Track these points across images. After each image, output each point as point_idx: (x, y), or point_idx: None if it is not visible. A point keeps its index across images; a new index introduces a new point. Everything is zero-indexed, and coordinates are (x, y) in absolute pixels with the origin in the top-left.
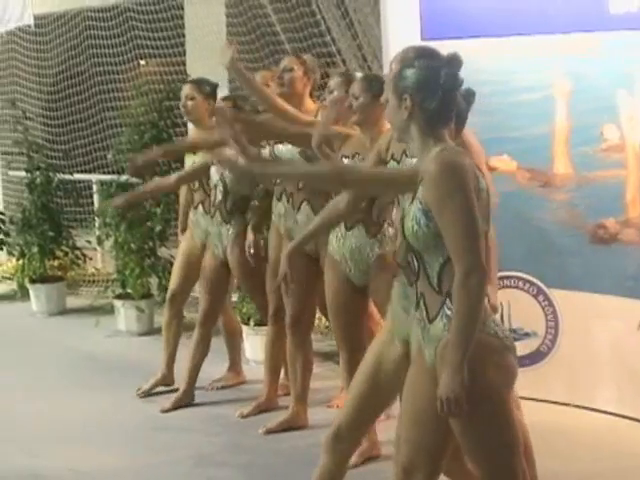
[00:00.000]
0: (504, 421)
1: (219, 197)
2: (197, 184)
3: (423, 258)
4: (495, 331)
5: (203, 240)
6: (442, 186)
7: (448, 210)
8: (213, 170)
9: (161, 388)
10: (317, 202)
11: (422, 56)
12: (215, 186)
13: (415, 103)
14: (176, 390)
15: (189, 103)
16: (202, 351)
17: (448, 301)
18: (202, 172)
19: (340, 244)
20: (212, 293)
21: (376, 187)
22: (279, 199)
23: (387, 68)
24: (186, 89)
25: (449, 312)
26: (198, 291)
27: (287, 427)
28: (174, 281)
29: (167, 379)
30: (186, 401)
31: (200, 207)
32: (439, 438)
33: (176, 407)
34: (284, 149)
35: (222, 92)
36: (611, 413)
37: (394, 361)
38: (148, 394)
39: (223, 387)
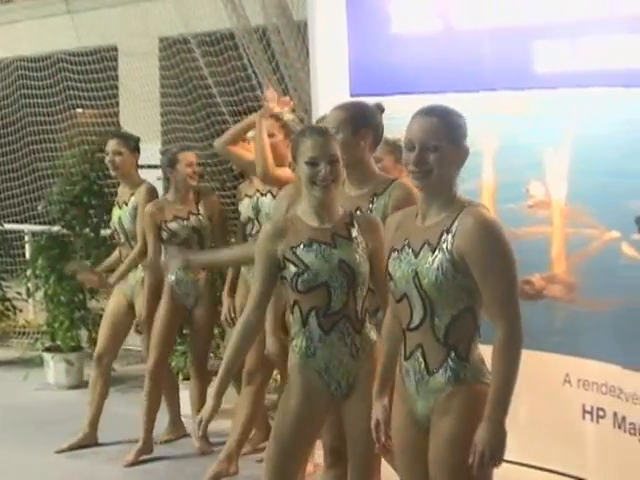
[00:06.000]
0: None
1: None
2: (123, 238)
3: (434, 309)
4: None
5: (130, 297)
6: (486, 245)
7: (494, 272)
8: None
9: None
10: None
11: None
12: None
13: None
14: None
15: (117, 158)
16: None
17: (453, 354)
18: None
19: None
20: (164, 345)
21: None
22: None
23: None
24: (112, 144)
25: (454, 365)
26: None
27: None
28: (101, 341)
29: (88, 439)
30: (147, 453)
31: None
32: None
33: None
34: (266, 200)
35: (155, 146)
36: (539, 468)
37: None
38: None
39: (166, 441)
